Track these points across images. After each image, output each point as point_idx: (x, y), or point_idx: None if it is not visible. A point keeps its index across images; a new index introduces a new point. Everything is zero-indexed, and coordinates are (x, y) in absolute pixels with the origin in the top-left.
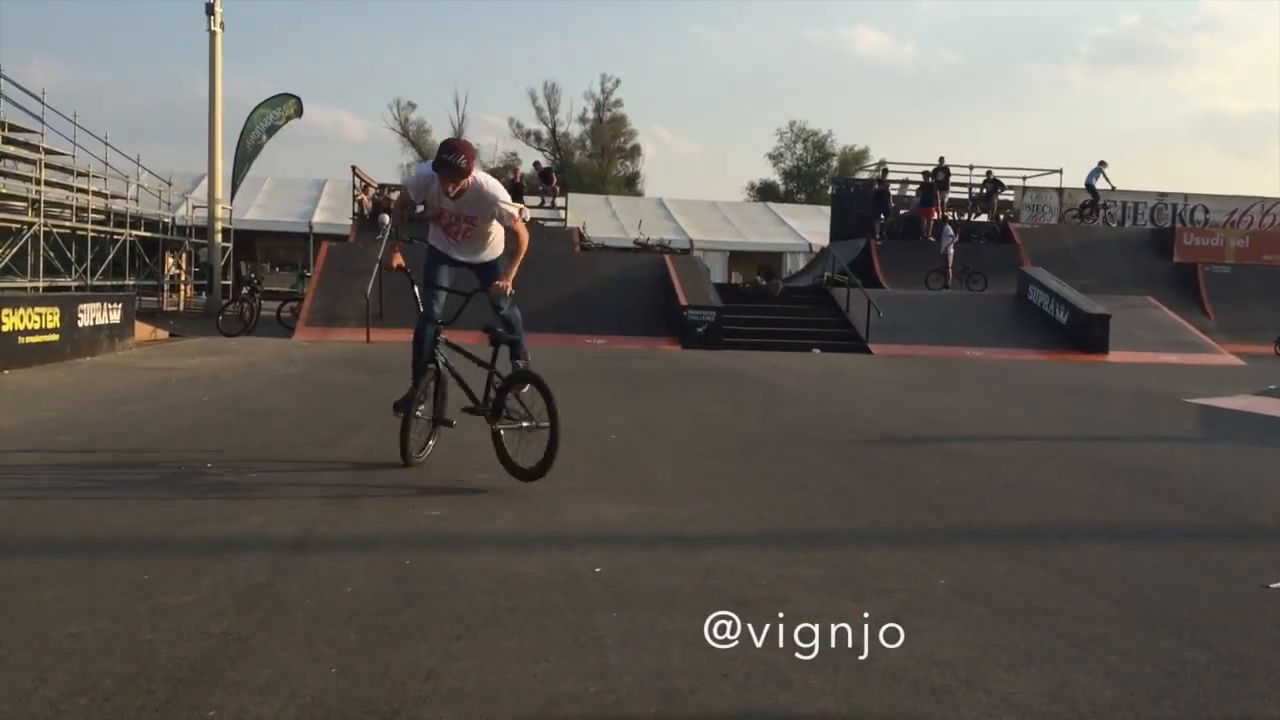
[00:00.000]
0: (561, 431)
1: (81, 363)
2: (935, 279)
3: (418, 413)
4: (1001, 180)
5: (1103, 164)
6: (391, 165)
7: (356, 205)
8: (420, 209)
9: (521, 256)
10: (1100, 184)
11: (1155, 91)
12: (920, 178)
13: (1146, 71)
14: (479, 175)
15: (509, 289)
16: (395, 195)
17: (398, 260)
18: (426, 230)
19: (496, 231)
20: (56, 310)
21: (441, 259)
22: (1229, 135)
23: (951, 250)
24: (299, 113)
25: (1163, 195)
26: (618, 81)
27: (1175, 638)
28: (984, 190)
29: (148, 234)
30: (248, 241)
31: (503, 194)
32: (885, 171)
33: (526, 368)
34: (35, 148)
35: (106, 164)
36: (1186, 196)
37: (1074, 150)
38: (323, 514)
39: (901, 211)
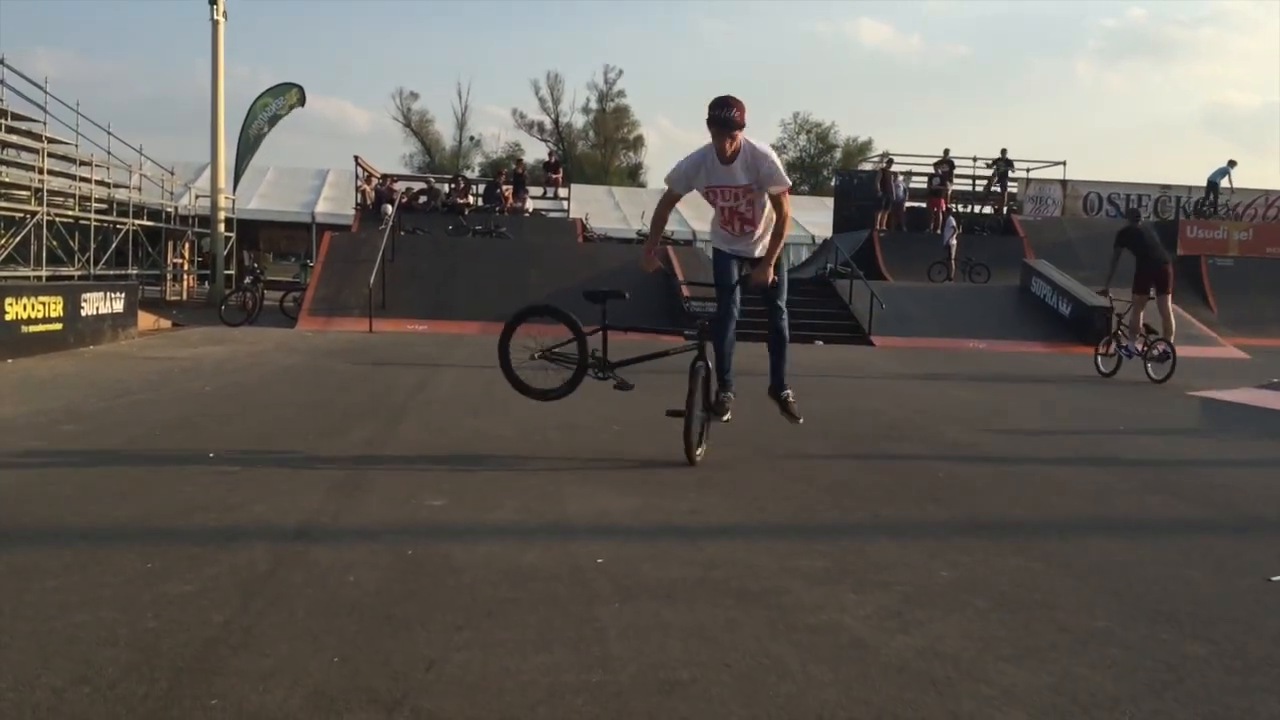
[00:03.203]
0: None
1: (85, 352)
2: (938, 271)
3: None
4: (1012, 160)
5: (1232, 164)
6: (394, 155)
7: (359, 195)
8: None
9: (783, 239)
10: (1224, 183)
11: (1161, 84)
12: (931, 170)
13: (1153, 64)
14: (748, 137)
15: (771, 276)
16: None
17: (655, 264)
18: (428, 222)
19: (768, 217)
20: (60, 299)
21: (726, 257)
22: (1234, 128)
23: (954, 242)
24: (301, 102)
25: (1166, 187)
26: (620, 72)
27: (1177, 631)
28: (996, 169)
29: (151, 223)
30: (250, 231)
31: (774, 155)
32: (890, 163)
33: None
34: (38, 137)
35: (109, 153)
36: (1190, 189)
37: (1079, 143)
38: (325, 504)
39: (894, 200)
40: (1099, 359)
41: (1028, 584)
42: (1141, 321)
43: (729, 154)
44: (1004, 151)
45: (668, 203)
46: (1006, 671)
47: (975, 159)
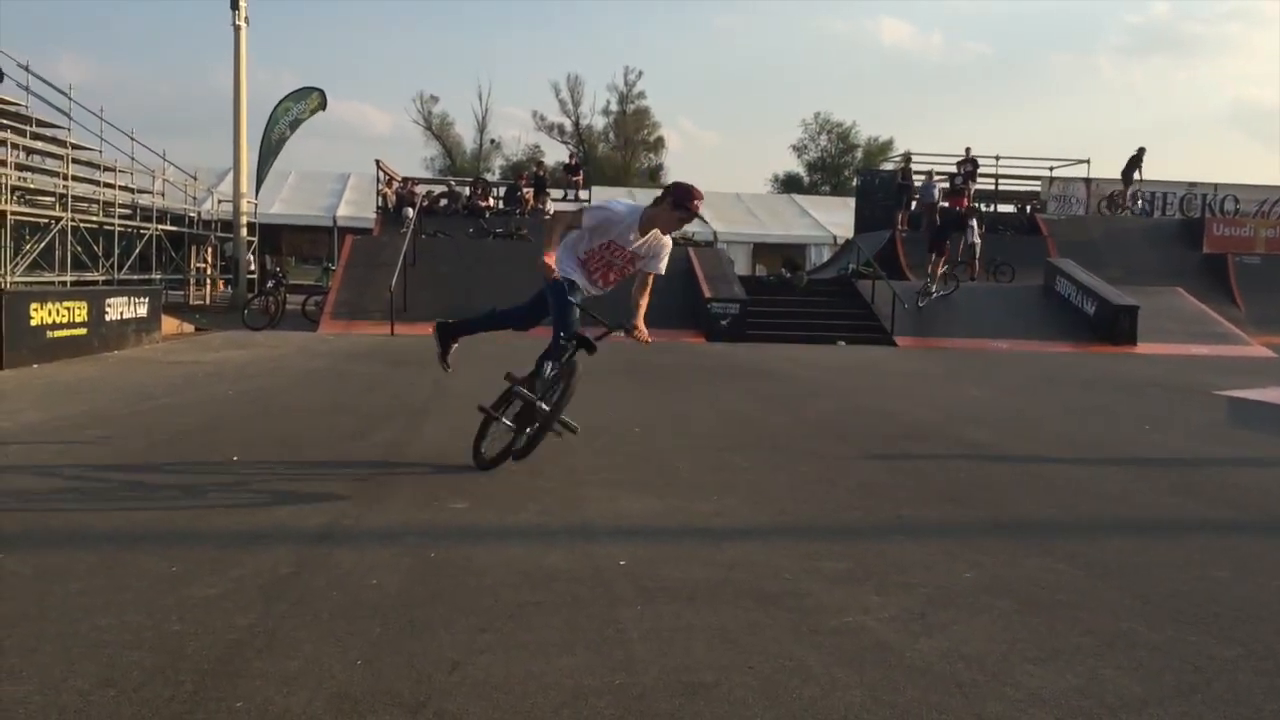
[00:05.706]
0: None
1: (109, 356)
2: (961, 270)
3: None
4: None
5: None
6: (415, 158)
7: (380, 199)
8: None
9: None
10: None
11: (1185, 81)
12: (954, 169)
13: (1176, 61)
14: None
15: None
16: (556, 213)
17: (555, 273)
18: (449, 225)
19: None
20: (84, 304)
21: (573, 292)
22: (1259, 124)
23: (978, 241)
24: (323, 106)
25: (1192, 185)
26: (640, 73)
27: (1204, 633)
28: (1130, 162)
29: (174, 228)
30: (272, 235)
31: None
32: (909, 161)
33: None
34: (63, 143)
35: (133, 159)
36: (1216, 186)
37: (1102, 140)
38: (348, 507)
39: (915, 201)
40: (930, 283)
41: (1051, 585)
42: (939, 272)
43: (662, 233)
44: (1141, 150)
45: (566, 227)
46: (1032, 673)
47: (998, 158)
